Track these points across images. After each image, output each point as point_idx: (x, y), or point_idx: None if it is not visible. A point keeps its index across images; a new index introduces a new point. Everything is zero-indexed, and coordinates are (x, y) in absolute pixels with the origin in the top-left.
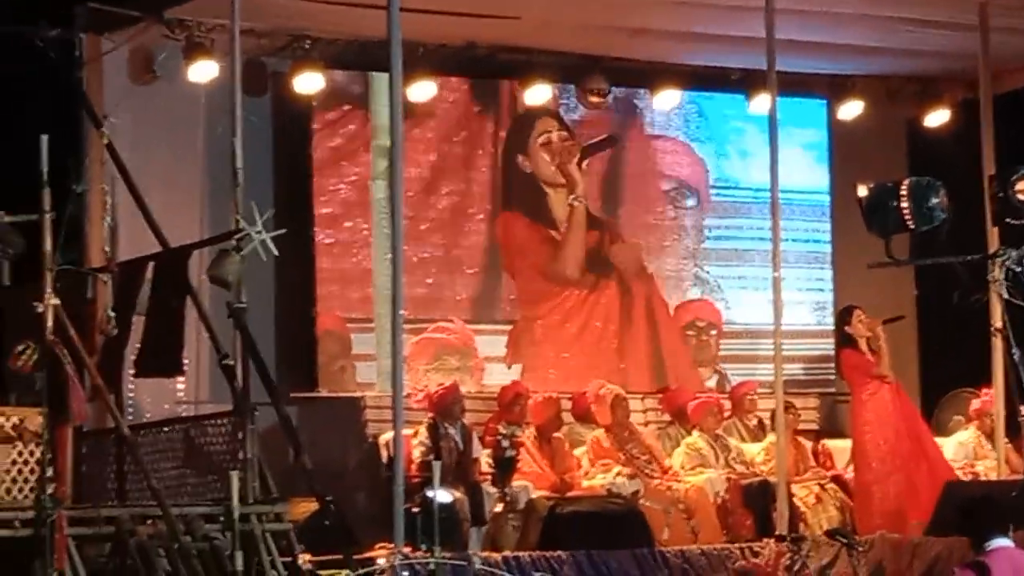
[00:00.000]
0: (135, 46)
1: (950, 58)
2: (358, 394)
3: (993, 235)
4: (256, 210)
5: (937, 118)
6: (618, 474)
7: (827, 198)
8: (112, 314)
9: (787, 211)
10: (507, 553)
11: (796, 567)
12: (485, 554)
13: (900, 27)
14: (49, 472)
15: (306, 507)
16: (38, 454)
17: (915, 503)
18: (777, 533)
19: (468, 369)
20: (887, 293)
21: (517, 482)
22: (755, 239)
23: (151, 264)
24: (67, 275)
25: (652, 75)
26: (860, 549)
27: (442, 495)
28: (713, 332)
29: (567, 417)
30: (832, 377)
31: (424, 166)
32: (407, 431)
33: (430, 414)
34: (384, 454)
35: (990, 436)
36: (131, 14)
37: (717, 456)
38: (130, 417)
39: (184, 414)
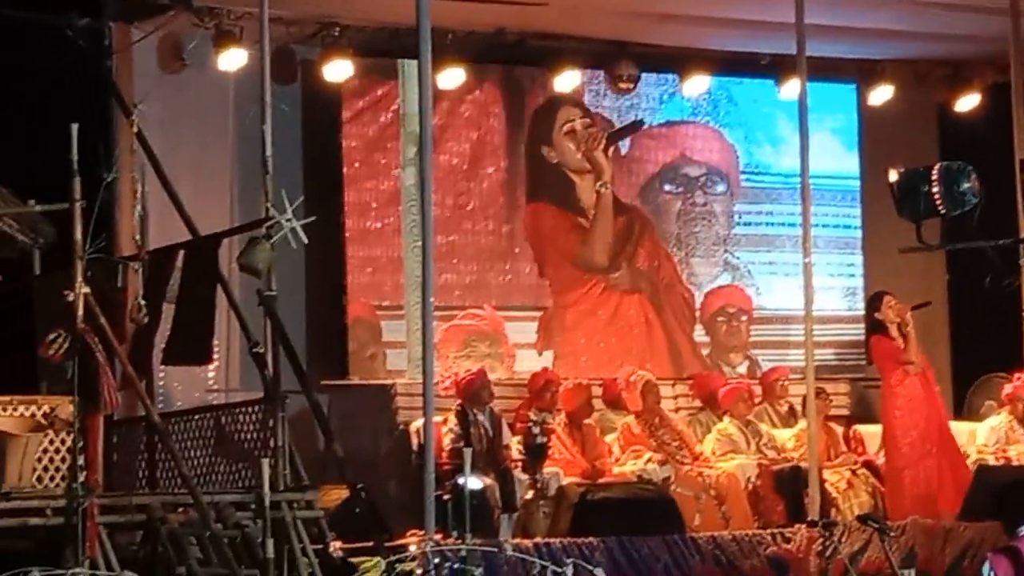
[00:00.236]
0: (164, 35)
1: (980, 42)
2: (388, 381)
3: None
4: (286, 198)
5: (968, 102)
6: (649, 460)
7: (857, 183)
8: (143, 302)
9: (817, 196)
10: (538, 540)
11: (828, 552)
12: (516, 541)
13: (930, 11)
14: (80, 460)
15: (337, 495)
16: (69, 442)
17: (942, 491)
18: (809, 519)
19: (498, 356)
20: (918, 278)
21: (548, 469)
22: (785, 225)
23: (181, 252)
24: (97, 264)
25: (681, 61)
26: (892, 534)
27: (473, 482)
28: (744, 318)
29: (598, 403)
30: (863, 363)
31: (454, 153)
32: (437, 418)
33: (458, 401)
34: (415, 441)
35: (1022, 421)
36: (160, 3)
37: (748, 442)
38: (161, 405)
39: (215, 402)
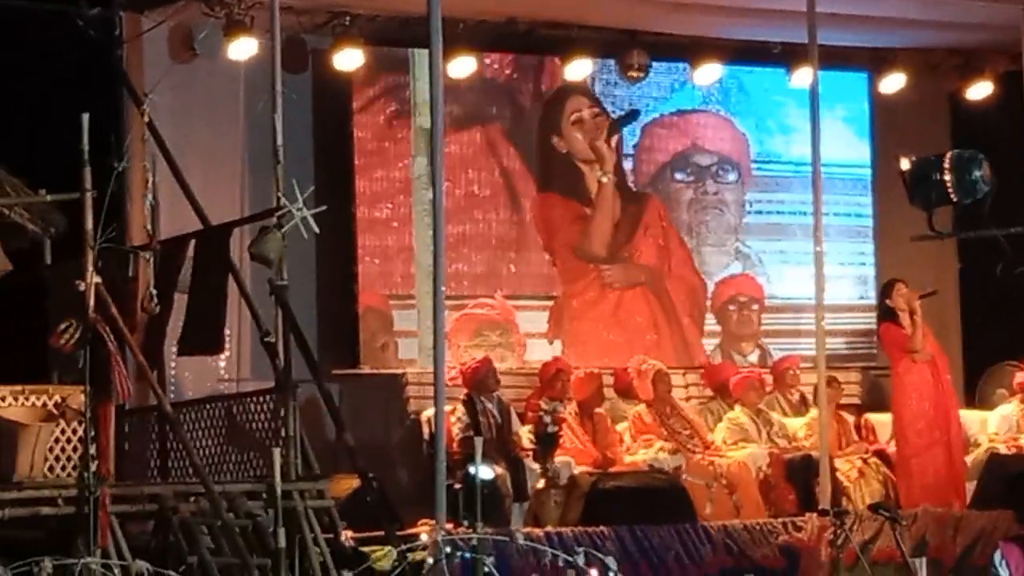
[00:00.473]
0: (175, 24)
1: (992, 30)
2: (400, 371)
3: None
4: (297, 187)
5: (979, 91)
6: (660, 449)
7: (869, 172)
8: (154, 292)
9: (829, 185)
10: (549, 529)
11: (839, 541)
12: (527, 530)
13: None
14: (92, 450)
15: (348, 484)
16: (81, 432)
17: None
18: (820, 508)
19: (509, 345)
20: (930, 266)
21: (559, 458)
22: (797, 213)
23: (192, 242)
24: (109, 253)
25: (692, 49)
26: (903, 523)
27: (484, 471)
28: (755, 307)
29: (609, 393)
30: (874, 351)
31: (465, 143)
32: (448, 408)
33: (465, 390)
34: (426, 430)
35: None
36: None
37: (759, 431)
38: (172, 395)
39: (226, 392)
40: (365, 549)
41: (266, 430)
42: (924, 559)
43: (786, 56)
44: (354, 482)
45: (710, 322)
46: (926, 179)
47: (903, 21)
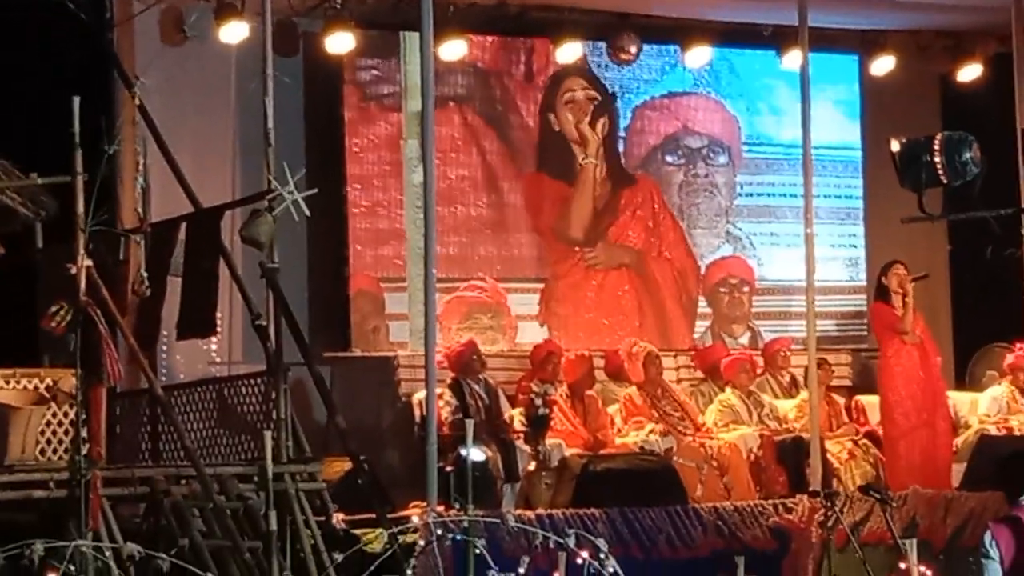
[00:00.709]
0: (166, 7)
1: (982, 12)
2: (391, 354)
3: None
4: (288, 170)
5: (969, 72)
6: (651, 431)
7: (859, 154)
8: (145, 275)
9: (819, 167)
10: (540, 511)
11: (829, 523)
12: (518, 512)
13: None
14: (83, 433)
15: (339, 466)
16: (72, 415)
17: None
18: (810, 489)
19: (500, 328)
20: (920, 248)
21: (550, 440)
22: (787, 195)
23: (183, 225)
24: (100, 236)
25: (683, 32)
26: (894, 505)
27: (475, 453)
28: (745, 289)
29: (600, 375)
30: (865, 333)
31: (456, 125)
32: (439, 390)
33: (451, 373)
34: (417, 413)
35: None
36: None
37: (750, 413)
38: (163, 378)
39: (217, 374)
40: (356, 531)
41: (257, 413)
42: (914, 540)
43: (776, 38)
44: (345, 464)
45: (701, 304)
46: (916, 161)
47: (893, 3)
